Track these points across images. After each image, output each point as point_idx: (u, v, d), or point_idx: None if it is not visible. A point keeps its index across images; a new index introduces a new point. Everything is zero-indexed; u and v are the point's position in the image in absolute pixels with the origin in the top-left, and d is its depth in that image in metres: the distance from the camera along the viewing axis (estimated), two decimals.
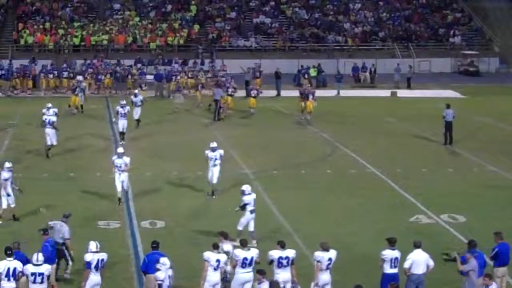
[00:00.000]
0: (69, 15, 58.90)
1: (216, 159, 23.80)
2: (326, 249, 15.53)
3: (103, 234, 20.22)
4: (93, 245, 15.48)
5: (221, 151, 24.04)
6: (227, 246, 16.23)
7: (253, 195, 19.93)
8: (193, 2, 60.91)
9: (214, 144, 24.10)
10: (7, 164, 21.61)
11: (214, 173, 23.94)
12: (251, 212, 19.75)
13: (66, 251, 17.34)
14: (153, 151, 30.79)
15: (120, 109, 31.66)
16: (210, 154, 23.88)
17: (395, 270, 15.61)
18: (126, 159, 23.04)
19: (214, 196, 24.11)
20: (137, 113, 34.69)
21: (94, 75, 46.60)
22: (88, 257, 15.32)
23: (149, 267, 15.52)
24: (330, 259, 15.43)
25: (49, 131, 29.04)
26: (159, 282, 14.90)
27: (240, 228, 19.73)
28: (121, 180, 22.94)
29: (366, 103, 43.79)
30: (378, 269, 15.85)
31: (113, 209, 22.72)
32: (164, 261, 15.11)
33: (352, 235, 20.59)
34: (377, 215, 22.55)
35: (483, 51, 58.49)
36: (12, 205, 21.48)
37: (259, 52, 56.17)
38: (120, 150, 23.30)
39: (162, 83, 45.66)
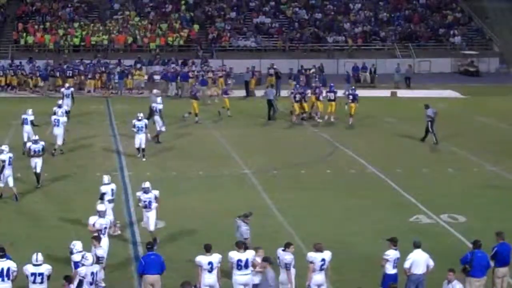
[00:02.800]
0: (69, 15, 58.89)
1: (150, 201, 19.71)
2: (319, 250, 15.53)
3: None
4: (79, 245, 15.61)
5: (156, 192, 19.97)
6: (99, 251, 16.10)
7: (112, 185, 20.66)
8: (182, 2, 60.93)
9: (146, 185, 19.88)
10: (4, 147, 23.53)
11: (149, 218, 19.81)
12: (109, 201, 20.32)
13: None
14: (153, 151, 30.75)
15: (137, 123, 28.78)
16: (142, 196, 19.75)
17: (396, 271, 15.65)
18: (109, 218, 19.00)
19: (155, 247, 17.74)
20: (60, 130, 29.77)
21: (104, 74, 46.63)
22: (76, 257, 15.39)
23: (146, 268, 15.52)
24: (323, 260, 15.41)
25: (156, 118, 31.63)
26: (81, 278, 14.83)
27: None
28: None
29: (366, 103, 43.74)
30: (377, 269, 15.86)
31: (113, 209, 22.67)
32: (87, 256, 15.10)
33: (352, 235, 20.59)
34: (377, 215, 22.56)
35: (483, 51, 58.46)
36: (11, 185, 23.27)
37: (259, 52, 56.15)
38: (101, 208, 18.42)
39: (183, 82, 45.75)
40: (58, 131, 29.36)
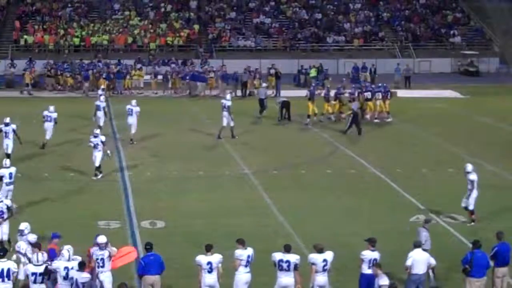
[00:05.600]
0: (69, 15, 58.91)
1: (19, 252, 16.38)
2: (320, 250, 15.47)
3: (103, 234, 20.17)
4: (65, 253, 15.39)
5: (32, 237, 16.44)
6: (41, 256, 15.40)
7: (11, 169, 21.63)
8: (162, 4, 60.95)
9: (21, 226, 17.05)
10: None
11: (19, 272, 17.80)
12: (7, 184, 21.52)
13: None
14: (154, 151, 30.78)
15: (93, 139, 26.36)
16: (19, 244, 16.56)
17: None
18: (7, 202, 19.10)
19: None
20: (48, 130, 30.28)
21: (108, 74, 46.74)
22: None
23: (145, 269, 15.49)
24: (325, 261, 15.30)
25: (225, 114, 32.21)
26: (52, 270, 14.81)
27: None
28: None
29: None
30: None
31: (113, 209, 22.72)
32: (63, 253, 15.02)
33: (352, 235, 20.56)
34: (377, 215, 22.55)
35: (483, 51, 58.46)
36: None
37: (259, 52, 56.16)
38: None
39: (195, 83, 46.11)
40: (132, 120, 31.48)
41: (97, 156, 26.23)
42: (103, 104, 33.34)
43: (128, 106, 32.01)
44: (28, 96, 45.64)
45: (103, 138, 26.52)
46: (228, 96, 33.63)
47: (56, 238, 16.39)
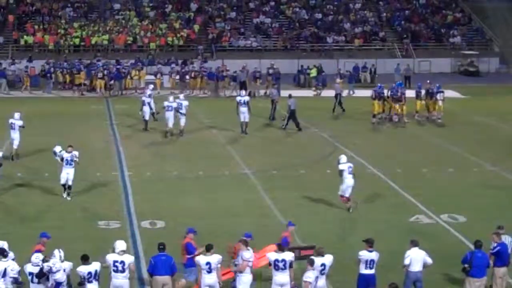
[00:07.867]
0: (69, 15, 58.92)
1: None
2: (320, 254, 15.44)
3: (103, 234, 20.25)
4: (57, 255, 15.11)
5: None
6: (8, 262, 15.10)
7: None
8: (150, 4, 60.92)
9: None
10: None
11: None
12: None
13: None
14: (154, 151, 30.79)
15: (66, 155, 23.55)
16: None
17: (370, 271, 15.63)
18: None
19: None
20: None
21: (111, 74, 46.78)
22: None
23: (155, 269, 15.47)
24: (323, 265, 15.22)
25: (243, 109, 33.62)
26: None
27: None
28: None
29: (366, 103, 43.72)
30: (378, 269, 15.87)
31: (113, 209, 22.72)
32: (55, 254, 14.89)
33: (352, 235, 20.59)
34: (377, 215, 22.55)
35: (483, 51, 58.48)
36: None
37: (259, 52, 56.14)
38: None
39: (217, 82, 46.42)
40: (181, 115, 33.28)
41: (70, 173, 23.52)
42: (148, 100, 34.48)
43: (177, 101, 33.30)
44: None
45: (76, 153, 23.71)
46: (244, 93, 35.64)
47: (192, 233, 16.69)
